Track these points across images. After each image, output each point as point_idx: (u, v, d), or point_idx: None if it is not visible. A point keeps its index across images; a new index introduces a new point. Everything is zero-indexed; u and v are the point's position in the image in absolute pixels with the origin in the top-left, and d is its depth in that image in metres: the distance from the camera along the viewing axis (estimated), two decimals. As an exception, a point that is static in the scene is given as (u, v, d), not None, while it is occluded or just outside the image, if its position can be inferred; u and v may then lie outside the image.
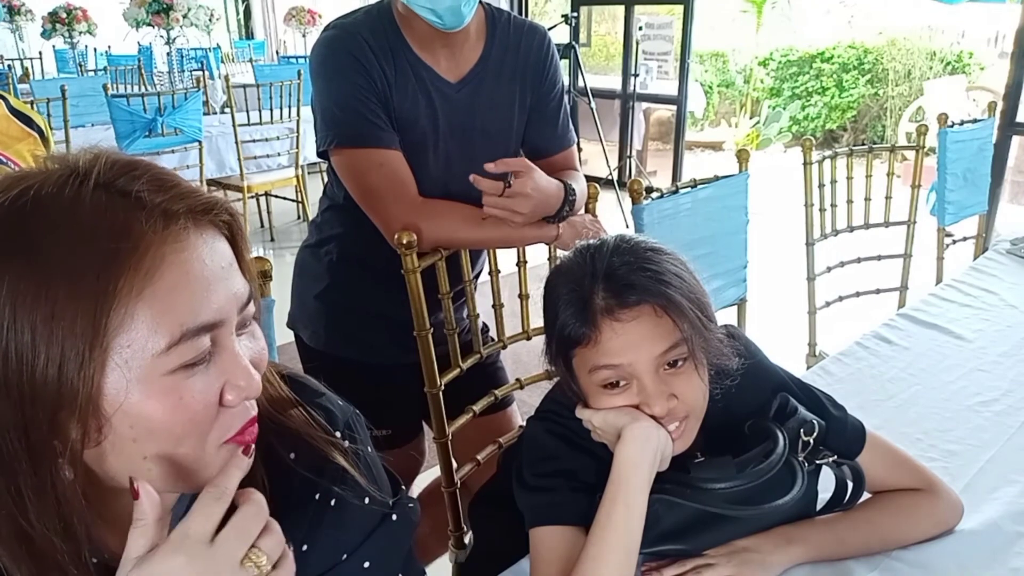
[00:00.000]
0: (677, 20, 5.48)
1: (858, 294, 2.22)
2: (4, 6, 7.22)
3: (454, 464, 1.31)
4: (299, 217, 5.02)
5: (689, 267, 0.85)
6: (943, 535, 0.96)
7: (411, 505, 0.72)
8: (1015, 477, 1.10)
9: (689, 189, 1.70)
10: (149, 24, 4.93)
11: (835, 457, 0.90)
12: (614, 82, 6.08)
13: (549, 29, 1.36)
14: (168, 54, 5.16)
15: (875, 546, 0.93)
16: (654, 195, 1.62)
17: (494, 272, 1.36)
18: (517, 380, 1.43)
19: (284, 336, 1.25)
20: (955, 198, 2.29)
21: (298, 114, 4.31)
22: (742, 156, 1.84)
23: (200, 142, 3.91)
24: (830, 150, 2.12)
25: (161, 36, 5.06)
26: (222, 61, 7.38)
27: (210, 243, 0.53)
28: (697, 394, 0.83)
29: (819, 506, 0.94)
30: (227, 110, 4.25)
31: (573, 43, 5.10)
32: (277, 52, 9.31)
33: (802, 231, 2.08)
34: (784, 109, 7.96)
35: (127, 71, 5.85)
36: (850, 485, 0.92)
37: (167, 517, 0.52)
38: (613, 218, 4.74)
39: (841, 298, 2.18)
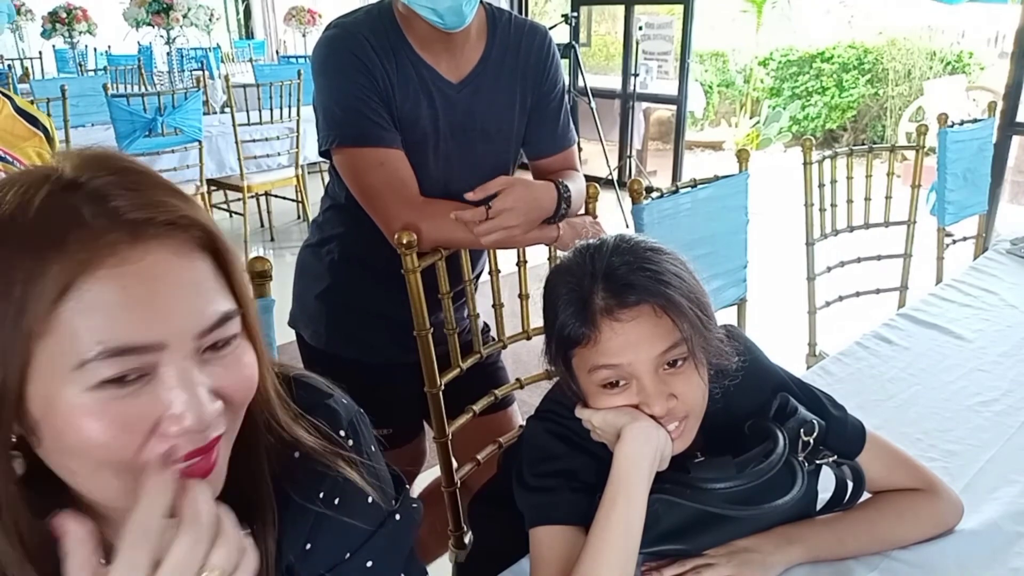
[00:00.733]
0: (677, 20, 5.48)
1: (858, 294, 2.22)
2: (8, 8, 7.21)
3: (454, 464, 1.31)
4: (299, 217, 5.02)
5: (689, 267, 0.85)
6: (943, 535, 0.96)
7: (415, 505, 0.72)
8: (1015, 477, 1.10)
9: (689, 189, 1.70)
10: (149, 24, 4.92)
11: (835, 457, 0.90)
12: (614, 82, 6.08)
13: (549, 29, 1.36)
14: (168, 54, 5.16)
15: (875, 546, 0.93)
16: (654, 195, 1.62)
17: (494, 272, 1.36)
18: (517, 380, 1.43)
19: (285, 336, 1.25)
20: (955, 198, 2.29)
21: (298, 114, 4.31)
22: (742, 156, 1.84)
23: (200, 142, 3.90)
24: (830, 150, 2.12)
25: (161, 36, 5.06)
26: (222, 61, 7.38)
27: (169, 259, 0.50)
28: (697, 394, 0.83)
29: (819, 506, 0.94)
30: (227, 110, 4.25)
31: (573, 43, 5.10)
32: (277, 52, 9.30)
33: (802, 231, 2.08)
34: (784, 109, 7.96)
35: (127, 71, 5.85)
36: (850, 485, 0.93)
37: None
38: (613, 218, 4.74)
39: (841, 298, 2.18)
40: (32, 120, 1.23)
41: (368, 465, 0.67)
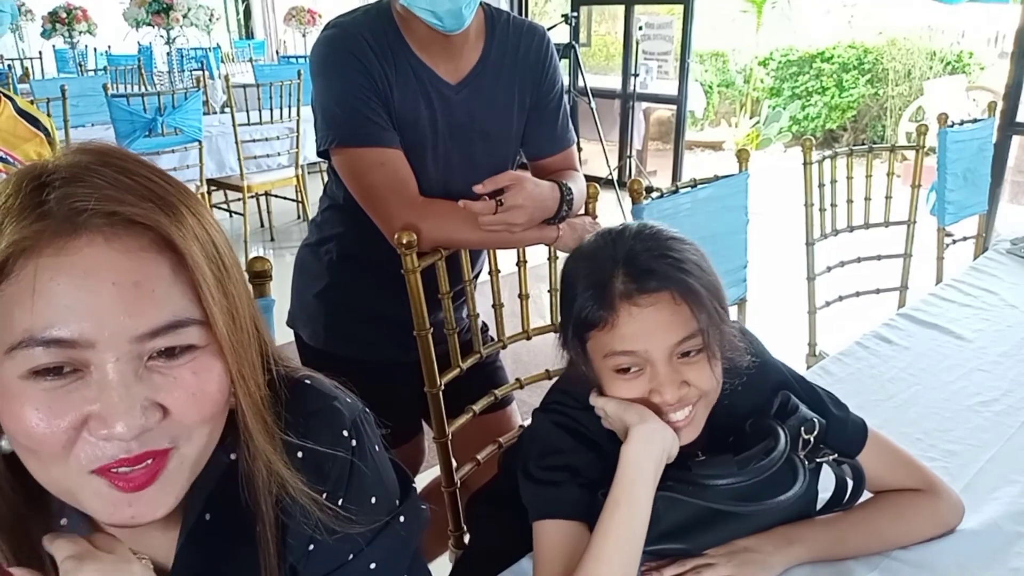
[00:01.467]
0: (677, 20, 5.48)
1: (858, 294, 2.22)
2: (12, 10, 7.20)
3: (454, 464, 1.31)
4: (299, 217, 5.01)
5: (708, 259, 0.85)
6: (943, 535, 0.96)
7: (423, 506, 0.71)
8: (1015, 477, 1.10)
9: (689, 189, 1.70)
10: (149, 24, 4.92)
11: (835, 455, 0.90)
12: (614, 82, 6.08)
13: (549, 29, 1.36)
14: (168, 54, 5.15)
15: (875, 547, 0.93)
16: (654, 195, 1.62)
17: (494, 272, 1.36)
18: (517, 380, 1.43)
19: (284, 335, 1.25)
20: (955, 198, 2.29)
21: (298, 114, 4.31)
22: (742, 156, 1.84)
23: (200, 142, 3.90)
24: (830, 150, 2.12)
25: (161, 36, 5.05)
26: (222, 61, 7.38)
27: (111, 255, 0.48)
28: (710, 382, 0.83)
29: (819, 505, 0.94)
30: (227, 110, 4.25)
31: (573, 43, 5.10)
32: (277, 52, 9.30)
33: (802, 231, 2.08)
34: (784, 109, 7.96)
35: (127, 71, 5.85)
36: (850, 484, 0.92)
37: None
38: (613, 218, 4.70)
39: (841, 298, 2.18)
40: (33, 121, 1.23)
41: (372, 464, 0.67)
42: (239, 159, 4.15)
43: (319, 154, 1.26)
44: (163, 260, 0.51)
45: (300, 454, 0.62)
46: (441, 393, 1.26)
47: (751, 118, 8.33)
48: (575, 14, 5.24)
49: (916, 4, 7.24)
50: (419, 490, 1.65)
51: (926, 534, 0.95)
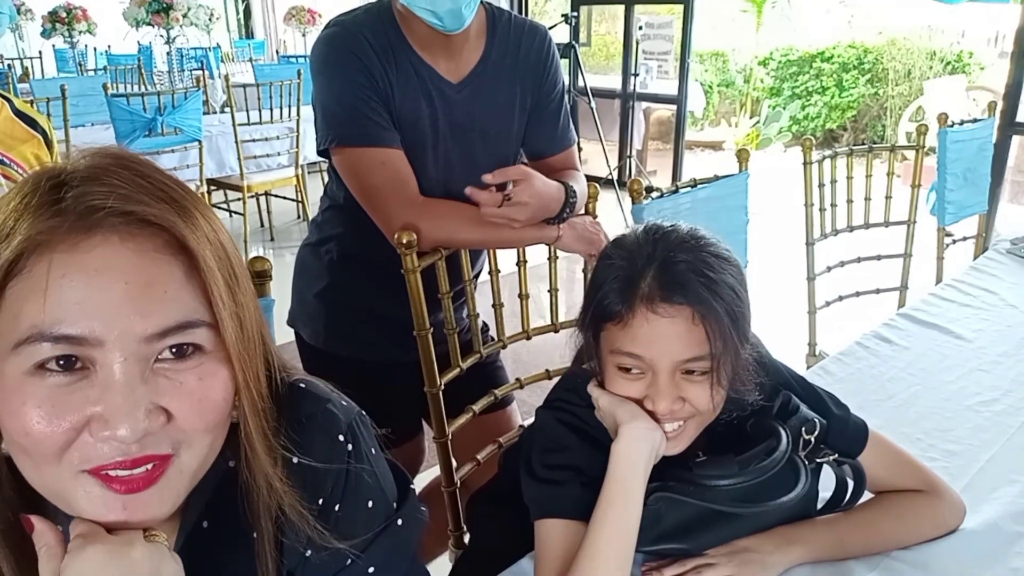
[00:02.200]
0: (677, 20, 5.48)
1: (858, 294, 2.22)
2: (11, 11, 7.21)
3: (454, 464, 1.31)
4: (299, 217, 5.01)
5: (746, 284, 0.84)
6: (944, 536, 0.96)
7: (421, 508, 0.71)
8: (1015, 477, 1.10)
9: (689, 189, 1.70)
10: (149, 23, 4.92)
11: (835, 456, 0.90)
12: (614, 82, 6.08)
13: (549, 29, 1.36)
14: (168, 53, 5.15)
15: (876, 547, 0.93)
16: (654, 195, 1.62)
17: (494, 272, 1.36)
18: (517, 380, 1.43)
19: (284, 335, 1.25)
20: (955, 198, 2.29)
21: (298, 114, 4.31)
22: (742, 156, 1.83)
23: (200, 142, 3.90)
24: (830, 150, 2.12)
25: (161, 35, 5.05)
26: (222, 60, 7.38)
27: (123, 254, 0.49)
28: (707, 404, 0.83)
29: (819, 506, 0.94)
30: (227, 110, 4.25)
31: (573, 43, 5.10)
32: (277, 52, 9.30)
33: (802, 231, 2.07)
34: (784, 109, 7.96)
35: (127, 70, 5.85)
36: (850, 484, 0.92)
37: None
38: (613, 218, 4.74)
39: (841, 298, 2.18)
40: (30, 122, 1.23)
41: (370, 467, 0.66)
42: (239, 159, 4.15)
43: (319, 153, 1.26)
44: (176, 262, 0.51)
45: (295, 460, 0.62)
46: (441, 393, 1.26)
47: (751, 118, 8.33)
48: (575, 14, 5.23)
49: (916, 4, 7.25)
50: (419, 490, 1.65)
51: (927, 535, 0.95)
